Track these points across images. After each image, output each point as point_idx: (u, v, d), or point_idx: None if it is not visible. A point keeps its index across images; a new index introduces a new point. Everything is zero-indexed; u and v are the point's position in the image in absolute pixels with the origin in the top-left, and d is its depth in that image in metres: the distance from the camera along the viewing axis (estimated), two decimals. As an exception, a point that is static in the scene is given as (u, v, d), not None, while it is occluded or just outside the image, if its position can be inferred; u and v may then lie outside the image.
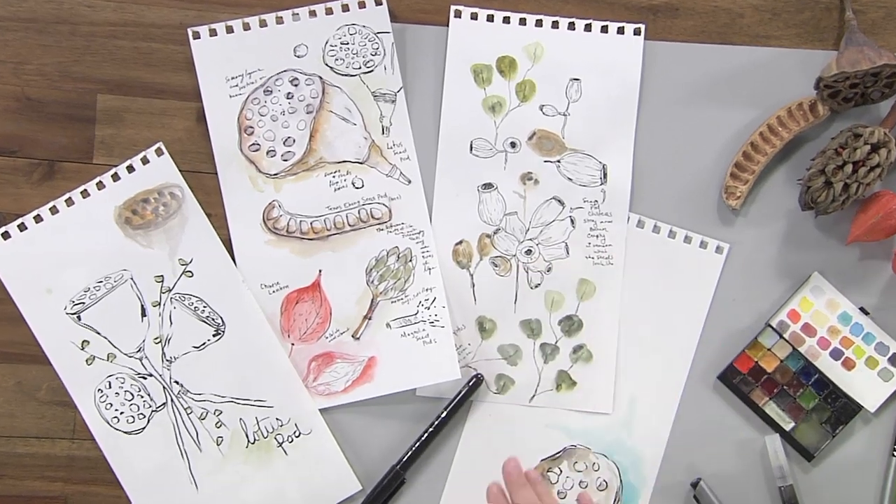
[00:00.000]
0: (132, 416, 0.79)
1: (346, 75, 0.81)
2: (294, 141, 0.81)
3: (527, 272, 0.82)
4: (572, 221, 0.82)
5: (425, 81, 0.82)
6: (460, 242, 0.82)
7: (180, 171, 0.80)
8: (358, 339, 0.81)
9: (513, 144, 0.82)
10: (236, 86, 0.81)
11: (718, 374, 0.81)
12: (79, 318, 0.79)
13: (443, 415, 0.79)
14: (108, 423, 0.79)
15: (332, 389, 0.80)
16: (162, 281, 0.80)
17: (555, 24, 0.83)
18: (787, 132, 0.81)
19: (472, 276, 0.82)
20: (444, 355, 0.80)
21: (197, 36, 0.80)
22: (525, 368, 0.82)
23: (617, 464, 0.81)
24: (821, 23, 0.83)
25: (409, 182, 0.82)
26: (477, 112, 0.82)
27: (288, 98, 0.81)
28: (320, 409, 0.80)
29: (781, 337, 0.81)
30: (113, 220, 0.80)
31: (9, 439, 0.80)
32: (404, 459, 0.79)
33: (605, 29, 0.83)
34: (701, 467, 0.81)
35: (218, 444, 0.79)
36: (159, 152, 0.80)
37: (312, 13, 0.81)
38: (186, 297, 0.80)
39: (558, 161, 0.82)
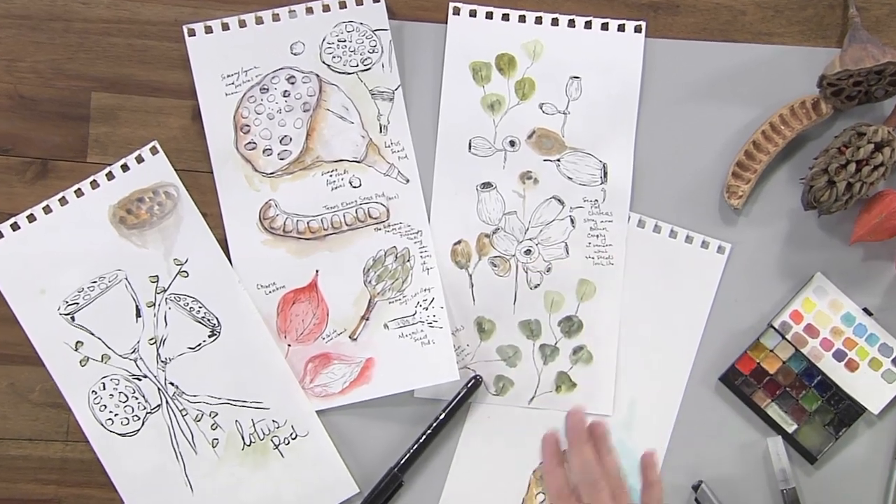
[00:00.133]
0: (126, 418, 0.78)
1: (343, 73, 0.81)
2: (291, 139, 0.80)
3: (526, 272, 0.81)
4: (572, 221, 0.82)
5: (423, 79, 0.82)
6: (459, 242, 0.81)
7: (175, 169, 0.80)
8: (355, 340, 0.80)
9: (512, 143, 0.82)
10: (232, 84, 0.80)
11: (720, 376, 0.81)
12: (73, 318, 0.78)
13: (441, 416, 0.79)
14: (102, 424, 0.78)
15: (329, 391, 0.79)
16: (157, 281, 0.79)
17: (554, 22, 0.82)
18: (789, 131, 0.80)
19: (470, 276, 0.81)
20: (442, 356, 0.79)
21: (192, 33, 0.80)
22: (524, 370, 0.81)
23: (617, 466, 0.80)
24: (824, 20, 0.83)
25: (407, 181, 0.81)
26: (476, 110, 0.82)
27: (284, 96, 0.80)
28: (317, 411, 0.79)
29: (784, 338, 0.81)
30: (107, 220, 0.79)
31: (1, 441, 0.79)
32: (402, 462, 0.78)
33: (605, 26, 0.82)
34: (702, 470, 0.81)
35: (213, 447, 0.79)
36: (154, 151, 0.80)
37: (309, 10, 0.80)
38: (182, 297, 0.79)
39: (558, 160, 0.82)
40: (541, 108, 0.82)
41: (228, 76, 0.80)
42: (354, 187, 0.81)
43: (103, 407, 0.78)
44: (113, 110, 0.80)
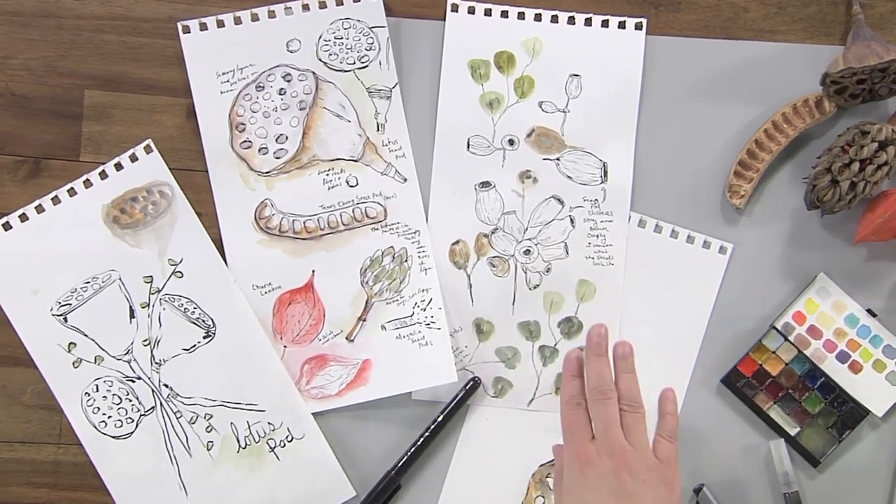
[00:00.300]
0: (120, 421, 0.78)
1: (340, 71, 0.80)
2: (287, 138, 0.80)
3: (525, 273, 0.81)
4: (572, 221, 0.81)
5: (421, 77, 0.81)
6: (457, 242, 0.81)
7: (170, 168, 0.79)
8: (352, 341, 0.79)
9: (511, 142, 0.81)
10: (227, 81, 0.79)
11: (722, 378, 0.80)
12: (65, 319, 0.77)
13: (439, 419, 0.78)
14: (95, 427, 0.77)
15: (326, 393, 0.79)
16: (151, 281, 0.78)
17: (554, 19, 0.81)
18: (792, 129, 0.80)
19: (469, 276, 0.80)
20: (440, 358, 0.79)
21: (187, 30, 0.79)
22: (523, 371, 0.80)
23: (618, 469, 0.80)
24: (827, 17, 0.82)
25: (405, 180, 0.80)
26: (474, 108, 0.81)
27: (280, 94, 0.80)
28: (313, 413, 0.79)
29: (786, 339, 0.80)
30: (101, 219, 0.78)
31: (-7, 444, 0.79)
32: (399, 465, 0.78)
33: (605, 23, 0.81)
34: (704, 473, 0.80)
35: (208, 449, 0.78)
36: (148, 149, 0.79)
37: (305, 7, 0.80)
38: (176, 298, 0.78)
39: (557, 159, 0.81)
40: (540, 107, 0.81)
41: (223, 74, 0.79)
42: (351, 186, 0.80)
43: (96, 409, 0.77)
44: (106, 108, 0.79)
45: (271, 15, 0.80)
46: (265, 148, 0.80)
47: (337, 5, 0.80)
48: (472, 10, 0.81)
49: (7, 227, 0.78)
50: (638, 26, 0.81)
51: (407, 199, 0.80)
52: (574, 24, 0.81)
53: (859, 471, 0.80)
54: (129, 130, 0.79)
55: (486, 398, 0.80)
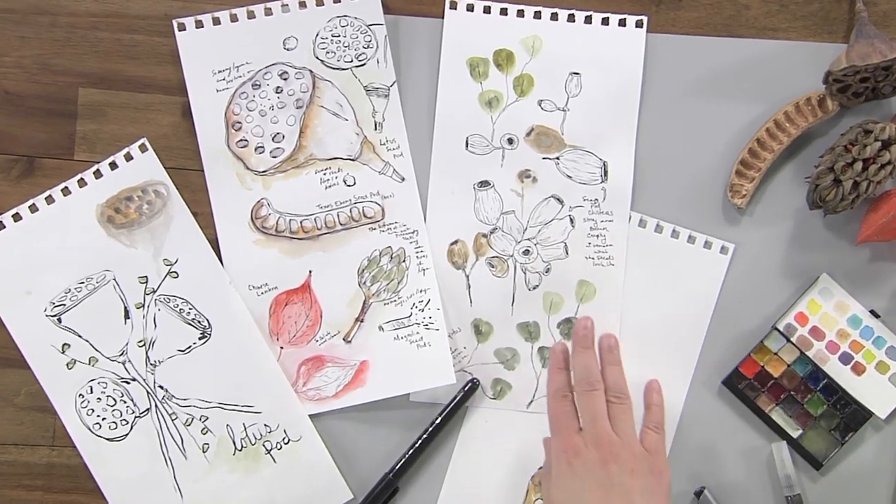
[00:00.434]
0: (114, 423, 0.77)
1: (337, 69, 0.79)
2: (283, 137, 0.79)
3: (524, 273, 0.80)
4: (571, 221, 0.80)
5: (419, 75, 0.80)
6: (455, 242, 0.80)
7: (165, 168, 0.79)
8: (349, 342, 0.79)
9: (510, 141, 0.81)
10: (223, 79, 0.79)
11: (723, 379, 0.80)
12: (59, 320, 0.77)
13: (437, 421, 0.78)
14: (89, 429, 0.77)
15: (323, 394, 0.78)
16: (146, 282, 0.78)
17: (554, 17, 0.81)
18: (794, 128, 0.79)
19: (467, 277, 0.80)
20: (438, 359, 0.78)
21: (182, 28, 0.78)
22: (523, 373, 0.80)
23: (618, 472, 0.79)
24: (830, 15, 0.82)
25: (403, 180, 0.80)
26: (473, 107, 0.80)
27: (277, 92, 0.79)
28: (310, 415, 0.78)
29: (788, 341, 0.80)
30: (95, 219, 0.78)
31: (-14, 446, 0.78)
32: (397, 467, 0.77)
33: (605, 21, 0.81)
34: (705, 476, 0.80)
35: (204, 452, 0.77)
36: (143, 148, 0.79)
37: (302, 4, 0.79)
38: (171, 298, 0.78)
39: (557, 158, 0.81)
40: (540, 105, 0.81)
41: (219, 72, 0.79)
42: (349, 186, 0.79)
43: (91, 411, 0.77)
44: (101, 107, 0.79)
45: (268, 12, 0.79)
46: (261, 147, 0.79)
47: (334, 2, 0.79)
48: (470, 8, 0.80)
49: (0, 226, 0.77)
50: (638, 24, 0.81)
51: (405, 199, 0.80)
52: (574, 21, 0.81)
53: (862, 474, 0.80)
54: (124, 129, 0.79)
55: (484, 400, 0.80)
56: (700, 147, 0.81)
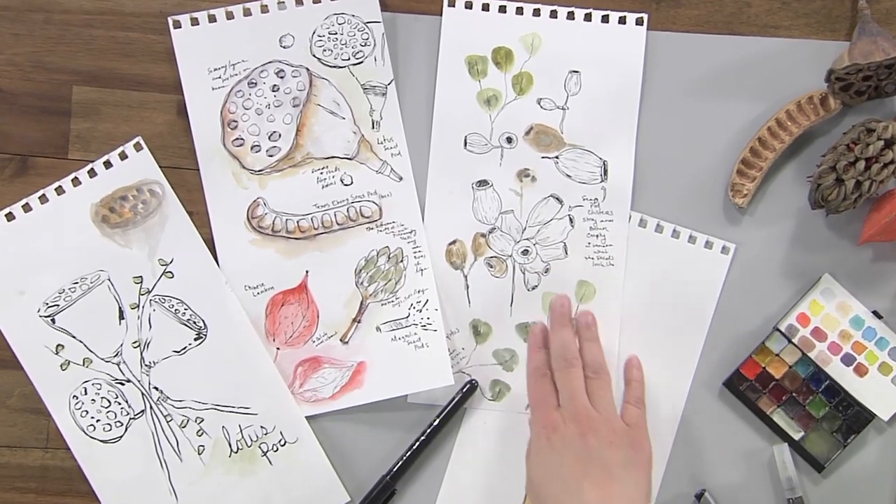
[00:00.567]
0: (109, 424, 0.76)
1: (334, 67, 0.79)
2: (280, 135, 0.78)
3: (523, 273, 0.80)
4: (571, 220, 0.80)
5: (417, 74, 0.80)
6: (454, 242, 0.80)
7: (160, 166, 0.78)
8: (346, 343, 0.78)
9: (509, 140, 0.80)
10: (219, 78, 0.78)
11: (724, 381, 0.79)
12: (53, 321, 0.76)
13: (435, 422, 0.78)
14: (83, 431, 0.76)
15: (320, 396, 0.78)
16: (141, 282, 0.77)
17: (553, 14, 0.80)
18: (796, 127, 0.79)
19: (466, 277, 0.79)
20: (436, 360, 0.78)
21: (178, 25, 0.78)
22: (522, 374, 0.79)
23: (617, 474, 0.79)
24: (832, 12, 0.81)
25: (401, 179, 0.79)
26: (471, 106, 0.80)
27: (273, 91, 0.78)
28: (307, 417, 0.78)
29: (790, 342, 0.79)
30: (89, 219, 0.77)
31: (-22, 448, 0.78)
32: (395, 469, 0.77)
33: (605, 19, 0.80)
34: (705, 478, 0.79)
35: (199, 453, 0.77)
36: (138, 147, 0.78)
37: (299, 2, 0.79)
38: (166, 299, 0.77)
39: (557, 157, 0.80)
40: (539, 104, 0.80)
41: (215, 70, 0.78)
42: (346, 185, 0.79)
43: (85, 412, 0.76)
44: (95, 105, 0.78)
45: (264, 10, 0.78)
46: (258, 146, 0.78)
47: (331, 0, 0.78)
48: (469, 5, 0.80)
49: (-7, 226, 0.77)
50: (639, 21, 0.80)
51: (402, 198, 0.79)
52: (573, 19, 0.80)
53: (864, 476, 0.79)
54: (119, 127, 0.78)
55: (483, 401, 0.79)
56: (701, 146, 0.80)
